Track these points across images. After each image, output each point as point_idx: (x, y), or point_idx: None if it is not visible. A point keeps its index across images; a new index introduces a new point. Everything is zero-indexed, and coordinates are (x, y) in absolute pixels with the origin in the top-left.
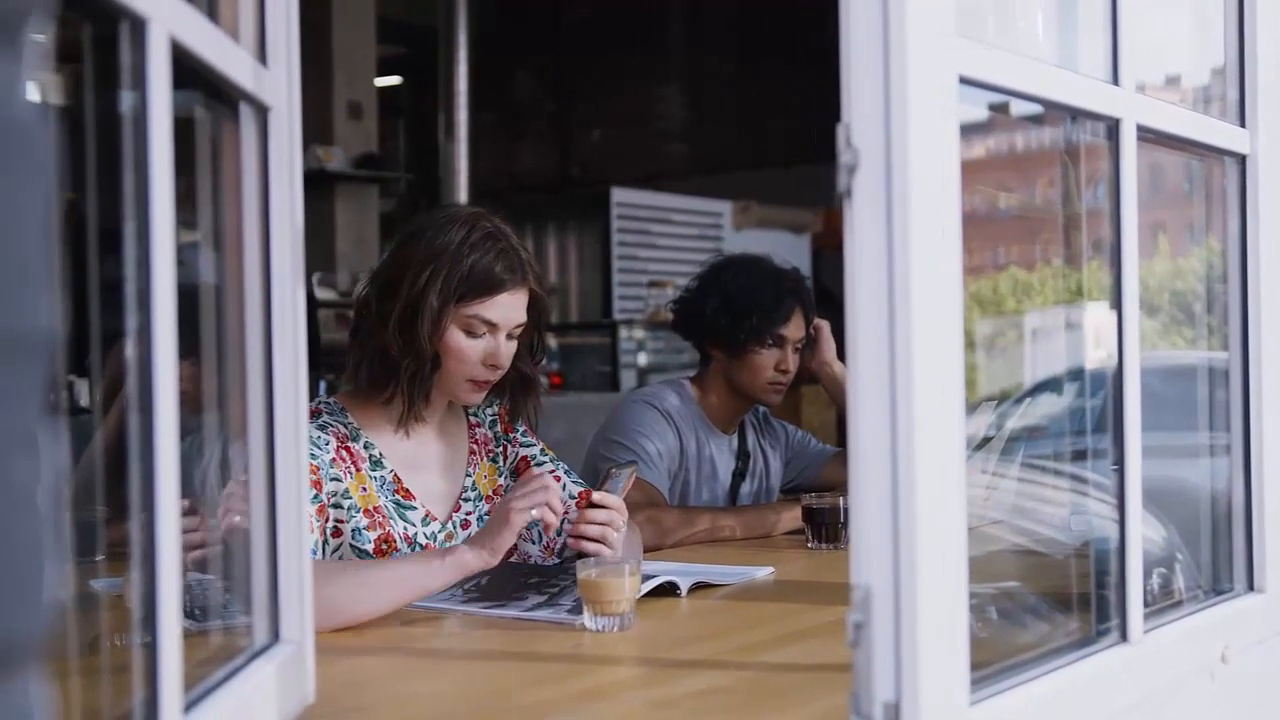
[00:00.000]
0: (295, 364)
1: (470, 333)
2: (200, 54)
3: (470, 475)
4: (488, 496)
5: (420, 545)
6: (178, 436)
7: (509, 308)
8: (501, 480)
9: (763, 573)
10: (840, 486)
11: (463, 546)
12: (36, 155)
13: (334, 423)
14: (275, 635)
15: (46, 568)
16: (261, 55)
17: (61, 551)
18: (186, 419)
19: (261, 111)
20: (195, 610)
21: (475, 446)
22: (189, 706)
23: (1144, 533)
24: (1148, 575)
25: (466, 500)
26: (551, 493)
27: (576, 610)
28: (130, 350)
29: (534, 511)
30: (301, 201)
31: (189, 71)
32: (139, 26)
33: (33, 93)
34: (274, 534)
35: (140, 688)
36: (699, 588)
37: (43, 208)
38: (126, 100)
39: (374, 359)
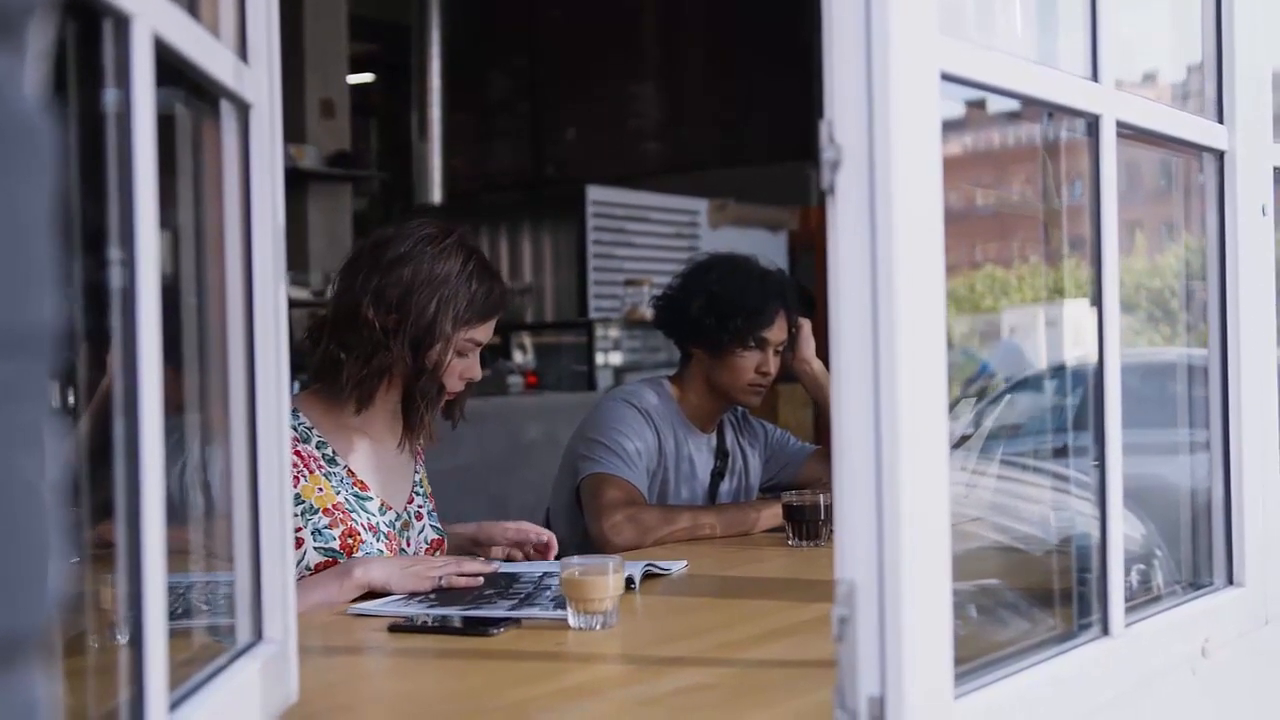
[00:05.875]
0: (278, 364)
1: (462, 354)
2: (183, 51)
3: (418, 473)
4: (430, 494)
5: (383, 534)
6: (163, 436)
7: (492, 327)
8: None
9: (677, 566)
10: (819, 484)
11: (361, 566)
12: (40, 152)
13: None
14: (258, 634)
15: (51, 563)
16: (242, 52)
17: (65, 546)
18: (166, 420)
19: (243, 109)
20: (175, 609)
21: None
22: (173, 705)
23: (1123, 529)
24: (1127, 571)
25: (418, 494)
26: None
27: (560, 605)
28: (114, 351)
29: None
30: (283, 199)
31: (168, 68)
32: (122, 23)
33: (35, 89)
34: (257, 533)
35: (125, 687)
36: (649, 578)
37: (46, 204)
38: (109, 97)
39: (376, 376)
